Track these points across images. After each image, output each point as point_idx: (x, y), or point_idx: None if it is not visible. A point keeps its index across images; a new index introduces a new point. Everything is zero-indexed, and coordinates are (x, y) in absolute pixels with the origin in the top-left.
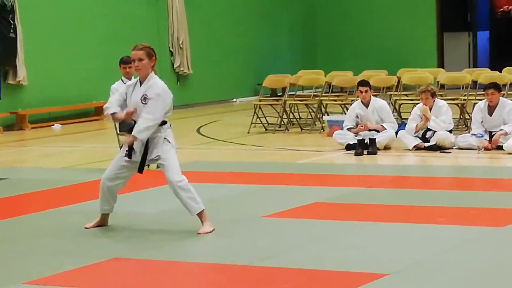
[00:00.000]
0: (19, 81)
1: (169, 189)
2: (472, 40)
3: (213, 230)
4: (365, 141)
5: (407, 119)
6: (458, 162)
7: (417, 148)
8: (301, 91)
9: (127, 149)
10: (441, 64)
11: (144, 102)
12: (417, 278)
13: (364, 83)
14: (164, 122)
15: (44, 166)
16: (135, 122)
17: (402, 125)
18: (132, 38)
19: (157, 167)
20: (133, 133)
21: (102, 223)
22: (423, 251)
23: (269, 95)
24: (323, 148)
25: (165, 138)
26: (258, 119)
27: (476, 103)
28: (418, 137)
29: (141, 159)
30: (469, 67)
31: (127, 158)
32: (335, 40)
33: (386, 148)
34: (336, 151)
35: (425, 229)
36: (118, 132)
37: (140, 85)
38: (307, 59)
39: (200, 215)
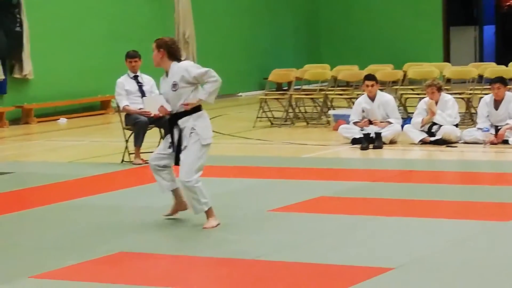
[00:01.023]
0: (25, 75)
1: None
2: (478, 34)
3: (218, 224)
4: (371, 135)
5: (413, 113)
6: (464, 156)
7: (423, 142)
8: (307, 85)
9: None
10: (447, 58)
11: (174, 89)
12: (422, 272)
13: (370, 77)
14: (196, 109)
15: (50, 160)
16: (139, 116)
17: (408, 119)
18: (138, 33)
19: None
20: (201, 97)
21: (178, 207)
22: (428, 245)
23: (274, 89)
24: (329, 142)
25: (193, 128)
26: (263, 113)
27: (482, 97)
28: (424, 131)
29: (176, 149)
30: (475, 61)
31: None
32: (341, 34)
33: (392, 142)
34: (342, 145)
35: (430, 223)
36: (124, 126)
37: (167, 76)
38: (313, 53)
39: (206, 211)
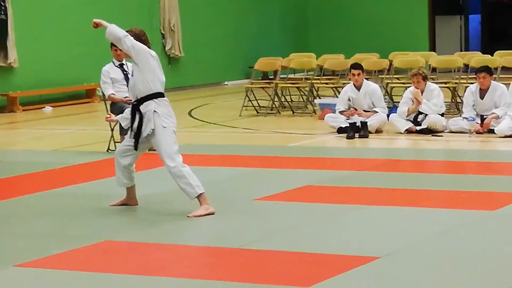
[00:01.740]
0: (10, 63)
1: (163, 171)
2: (464, 23)
3: (211, 213)
4: (357, 124)
5: (399, 102)
6: (449, 145)
7: (408, 131)
8: (293, 74)
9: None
10: (432, 48)
11: (132, 75)
12: (408, 261)
13: (357, 66)
14: (158, 95)
15: (35, 148)
16: (124, 104)
17: (393, 108)
18: (124, 21)
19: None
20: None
21: (128, 201)
22: (414, 234)
23: (260, 78)
24: (315, 131)
25: (155, 111)
26: (249, 102)
27: (468, 86)
28: (410, 121)
29: (135, 134)
30: (461, 51)
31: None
32: (327, 22)
33: (378, 131)
34: (328, 134)
35: (416, 212)
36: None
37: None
38: (299, 42)
39: (199, 198)
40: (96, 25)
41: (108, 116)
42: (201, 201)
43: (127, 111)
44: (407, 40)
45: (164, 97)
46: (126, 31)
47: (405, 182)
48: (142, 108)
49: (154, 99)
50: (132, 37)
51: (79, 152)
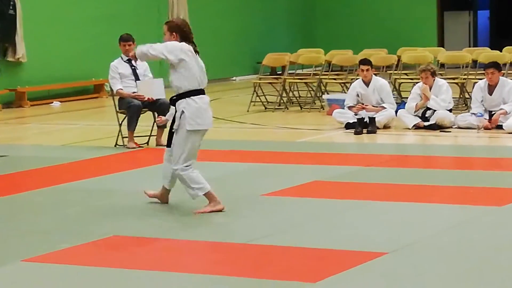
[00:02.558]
0: (18, 58)
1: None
2: (473, 19)
3: (215, 210)
4: (365, 120)
5: (407, 98)
6: (457, 141)
7: (416, 127)
8: (301, 70)
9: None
10: (441, 43)
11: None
12: (416, 257)
13: (365, 61)
14: (192, 93)
15: (43, 143)
16: (133, 100)
17: (402, 104)
18: (132, 16)
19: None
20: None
21: (160, 197)
22: (422, 230)
23: (268, 73)
24: (323, 127)
25: (182, 111)
26: (257, 98)
27: (476, 82)
28: (418, 116)
29: (169, 132)
30: (469, 46)
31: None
32: (335, 18)
33: (386, 127)
34: (336, 129)
35: (424, 208)
36: (118, 110)
37: None
38: (307, 38)
39: (206, 195)
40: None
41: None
42: (208, 199)
43: (172, 109)
44: (415, 35)
45: (200, 94)
46: (167, 22)
47: (413, 178)
48: (176, 106)
49: (187, 98)
50: (171, 30)
51: (87, 147)
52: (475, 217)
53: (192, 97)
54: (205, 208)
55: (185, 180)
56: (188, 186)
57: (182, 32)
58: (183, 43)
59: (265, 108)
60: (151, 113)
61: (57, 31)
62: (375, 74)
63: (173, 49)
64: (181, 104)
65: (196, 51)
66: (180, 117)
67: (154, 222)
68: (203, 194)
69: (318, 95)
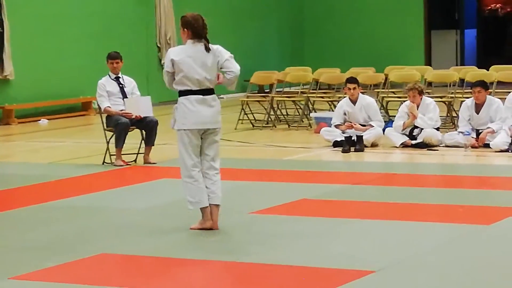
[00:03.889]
0: (6, 75)
1: (156, 185)
2: (460, 38)
3: (203, 228)
4: (352, 138)
5: (395, 116)
6: (445, 159)
7: (404, 145)
8: (289, 88)
9: None
10: (428, 62)
11: None
12: (404, 275)
13: (352, 80)
14: (184, 93)
15: (31, 161)
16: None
17: (389, 122)
18: (120, 34)
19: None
20: None
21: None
22: (409, 248)
23: (256, 91)
24: (310, 145)
25: (173, 113)
26: (245, 116)
27: (463, 101)
28: (405, 135)
29: None
30: (457, 65)
31: None
32: (323, 37)
33: (373, 145)
34: (323, 148)
35: (411, 226)
36: (105, 127)
37: None
38: (295, 56)
39: (201, 211)
40: None
41: None
42: (202, 214)
43: None
44: (402, 54)
45: (192, 94)
46: (183, 17)
47: (400, 196)
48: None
49: (179, 98)
50: (183, 26)
51: (75, 165)
52: (463, 235)
53: (182, 96)
54: (195, 225)
55: (185, 189)
56: (186, 195)
57: (193, 28)
58: (171, 51)
59: (253, 126)
60: (138, 130)
61: (45, 48)
62: (362, 93)
63: (168, 63)
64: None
65: (207, 48)
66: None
67: (142, 240)
68: (200, 209)
69: (305, 113)
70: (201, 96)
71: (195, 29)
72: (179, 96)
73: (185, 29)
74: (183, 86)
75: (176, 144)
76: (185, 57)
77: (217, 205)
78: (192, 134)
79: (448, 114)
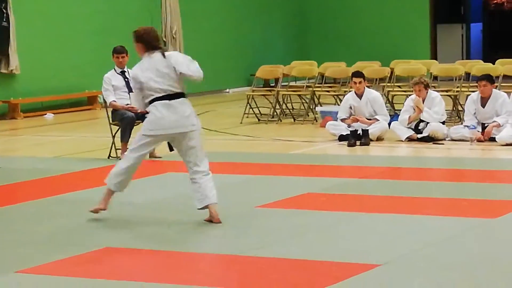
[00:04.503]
0: (12, 70)
1: (161, 179)
2: (465, 32)
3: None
4: (358, 132)
5: (400, 110)
6: (450, 153)
7: (409, 139)
8: (294, 82)
9: None
10: (434, 56)
11: None
12: (410, 268)
13: (358, 74)
14: (154, 100)
15: (36, 155)
16: (126, 111)
17: (395, 116)
18: (125, 28)
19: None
20: None
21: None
22: (415, 242)
23: (262, 85)
24: (316, 139)
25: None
26: (251, 110)
27: (469, 94)
28: (411, 129)
29: None
30: (462, 59)
31: None
32: (328, 31)
33: (379, 139)
34: (329, 142)
35: (417, 220)
36: (111, 121)
37: None
38: (300, 50)
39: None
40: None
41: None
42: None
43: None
44: (408, 48)
45: (157, 100)
46: (134, 31)
47: (406, 190)
48: None
49: (149, 106)
50: (135, 40)
51: (80, 159)
52: (468, 229)
53: (152, 103)
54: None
55: (120, 161)
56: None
57: (144, 41)
58: (132, 71)
59: (259, 120)
60: None
61: (51, 43)
62: (368, 87)
63: (133, 82)
64: None
65: (163, 55)
66: None
67: (147, 234)
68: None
69: (311, 107)
70: (167, 101)
71: (147, 41)
72: (152, 102)
73: (138, 43)
74: (149, 97)
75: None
76: (144, 70)
77: (214, 204)
78: (155, 139)
79: (454, 108)
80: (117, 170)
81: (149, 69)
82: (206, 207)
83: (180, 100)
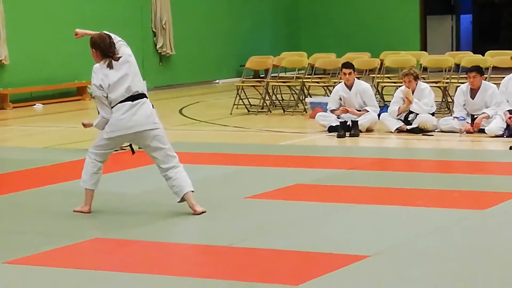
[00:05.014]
0: (1, 60)
1: (149, 170)
2: (455, 23)
3: (82, 212)
4: (348, 123)
5: (390, 101)
6: (440, 145)
7: (399, 130)
8: (284, 73)
9: None
10: (424, 47)
11: None
12: (399, 260)
13: (348, 65)
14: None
15: (26, 145)
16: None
17: (384, 107)
18: (115, 18)
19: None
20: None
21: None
22: (405, 233)
23: (251, 76)
24: (306, 130)
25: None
26: (240, 101)
27: (459, 86)
28: (401, 120)
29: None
30: (452, 50)
31: None
32: (318, 22)
33: (369, 130)
34: (319, 133)
35: (406, 211)
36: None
37: None
38: (290, 41)
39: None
40: (77, 35)
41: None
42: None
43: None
44: (398, 39)
45: (122, 102)
46: (91, 38)
47: (395, 181)
48: None
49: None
50: (91, 47)
51: (69, 149)
52: (458, 220)
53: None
54: (77, 208)
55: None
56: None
57: (100, 49)
58: (93, 76)
59: (248, 111)
60: None
61: (40, 33)
62: (358, 78)
63: (95, 88)
64: None
65: (116, 59)
66: None
67: (136, 225)
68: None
69: (301, 98)
70: (130, 102)
71: (102, 49)
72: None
73: (93, 50)
74: (114, 102)
75: (169, 129)
76: (104, 79)
77: (191, 192)
78: (115, 140)
79: (443, 100)
80: (87, 169)
81: (108, 77)
82: (183, 199)
83: (142, 101)
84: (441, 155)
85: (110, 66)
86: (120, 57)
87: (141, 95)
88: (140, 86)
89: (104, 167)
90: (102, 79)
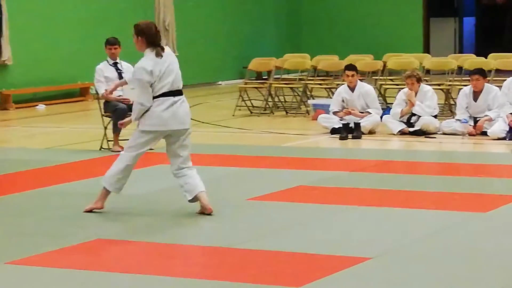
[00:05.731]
0: (4, 61)
1: (153, 171)
2: (458, 26)
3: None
4: (350, 125)
5: (392, 103)
6: (442, 147)
7: (401, 133)
8: (287, 75)
9: None
10: (426, 50)
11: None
12: (400, 262)
13: (351, 67)
14: (156, 97)
15: (28, 146)
16: (118, 103)
17: (387, 109)
18: (118, 19)
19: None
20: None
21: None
22: (406, 235)
23: (254, 78)
24: (308, 132)
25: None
26: (243, 102)
27: (461, 88)
28: (403, 122)
29: None
30: (455, 53)
31: None
32: (321, 23)
33: (371, 132)
34: (321, 134)
35: (408, 213)
36: (103, 113)
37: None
38: (293, 43)
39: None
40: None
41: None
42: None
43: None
44: (401, 41)
45: (160, 96)
46: (135, 25)
47: (397, 183)
48: None
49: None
50: (136, 34)
51: (72, 150)
52: (460, 223)
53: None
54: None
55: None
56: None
57: (147, 36)
58: (146, 64)
59: (251, 112)
60: None
61: (43, 33)
62: (361, 80)
63: (144, 74)
64: None
65: (160, 54)
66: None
67: (138, 226)
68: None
69: (303, 100)
70: (172, 97)
71: (149, 37)
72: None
73: (139, 37)
74: (157, 93)
75: None
76: (155, 66)
77: (204, 192)
78: (154, 135)
79: (446, 102)
80: (115, 171)
81: (159, 64)
82: (195, 198)
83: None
84: (444, 158)
85: (159, 54)
86: (164, 48)
87: (181, 92)
88: (181, 83)
89: (104, 169)
90: (153, 66)
